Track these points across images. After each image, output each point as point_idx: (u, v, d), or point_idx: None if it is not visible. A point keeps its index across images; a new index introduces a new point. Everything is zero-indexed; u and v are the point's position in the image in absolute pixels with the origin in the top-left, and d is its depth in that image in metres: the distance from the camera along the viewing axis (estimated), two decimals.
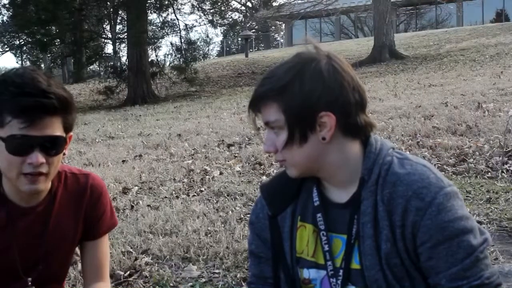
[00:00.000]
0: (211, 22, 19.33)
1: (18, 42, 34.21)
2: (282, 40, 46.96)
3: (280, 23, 41.90)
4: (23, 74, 1.38)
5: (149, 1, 17.05)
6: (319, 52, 1.24)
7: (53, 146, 1.40)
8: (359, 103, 1.23)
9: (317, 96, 1.19)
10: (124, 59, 19.04)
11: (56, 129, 1.39)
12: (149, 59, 17.19)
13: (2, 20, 31.08)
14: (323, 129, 1.21)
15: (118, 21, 25.71)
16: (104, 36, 22.64)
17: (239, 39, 40.66)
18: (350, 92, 1.21)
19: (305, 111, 1.19)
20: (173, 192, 4.50)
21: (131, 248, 3.19)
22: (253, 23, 40.68)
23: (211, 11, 18.93)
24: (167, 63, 18.45)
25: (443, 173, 4.22)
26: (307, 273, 1.32)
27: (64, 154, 1.46)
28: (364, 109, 1.25)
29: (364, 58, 18.29)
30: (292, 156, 1.25)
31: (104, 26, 21.84)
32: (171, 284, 2.75)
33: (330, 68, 1.21)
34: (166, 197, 4.39)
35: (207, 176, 4.92)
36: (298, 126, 1.21)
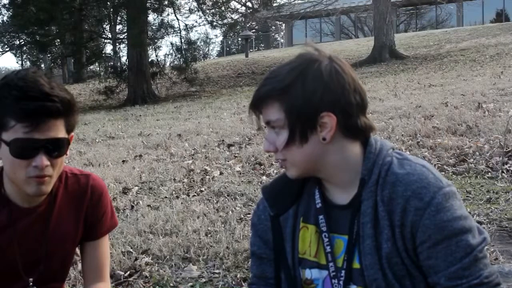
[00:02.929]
0: (210, 23, 19.32)
1: (18, 42, 34.24)
2: (282, 40, 46.96)
3: (280, 23, 41.90)
4: (25, 77, 1.37)
5: (149, 1, 17.04)
6: (321, 54, 1.25)
7: (57, 148, 1.40)
8: (360, 105, 1.24)
9: (319, 97, 1.20)
10: (124, 59, 19.02)
11: (59, 131, 1.39)
12: (149, 59, 17.17)
13: (2, 20, 31.13)
14: (323, 130, 1.21)
15: (118, 21, 25.68)
16: (104, 36, 22.58)
17: (239, 39, 40.67)
18: (351, 93, 1.22)
19: (306, 111, 1.20)
20: (173, 192, 4.50)
21: (131, 248, 3.20)
22: (253, 23, 40.67)
23: (211, 11, 18.93)
24: (167, 63, 18.47)
25: (443, 173, 4.23)
26: (309, 273, 1.33)
27: (66, 154, 1.46)
28: (365, 111, 1.26)
29: (364, 58, 18.29)
30: (292, 156, 1.25)
31: (104, 26, 21.78)
32: (171, 284, 2.76)
33: (332, 69, 1.22)
34: (166, 197, 4.39)
35: (207, 176, 4.93)
36: (299, 126, 1.22)
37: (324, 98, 1.20)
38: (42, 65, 33.03)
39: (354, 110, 1.23)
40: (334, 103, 1.20)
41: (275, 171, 4.86)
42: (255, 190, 4.23)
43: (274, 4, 22.30)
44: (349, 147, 1.26)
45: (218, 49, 50.78)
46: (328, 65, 1.22)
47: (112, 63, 19.46)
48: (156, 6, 17.27)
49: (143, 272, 2.88)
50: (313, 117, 1.21)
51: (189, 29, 23.12)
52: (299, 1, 29.83)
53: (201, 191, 4.47)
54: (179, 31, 18.07)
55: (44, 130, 1.36)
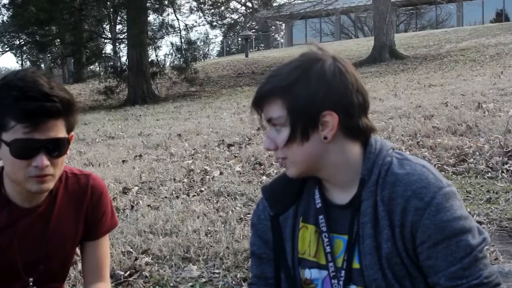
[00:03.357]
0: (210, 23, 19.32)
1: (18, 42, 34.19)
2: (282, 40, 46.97)
3: (280, 23, 41.90)
4: (24, 77, 1.37)
5: (149, 1, 17.04)
6: (325, 53, 1.25)
7: (57, 148, 1.40)
8: (362, 105, 1.24)
9: (321, 96, 1.20)
10: (124, 59, 19.00)
11: (59, 131, 1.39)
12: (149, 59, 17.15)
13: (2, 20, 31.08)
14: (325, 128, 1.22)
15: (118, 21, 25.69)
16: (104, 36, 22.58)
17: (239, 39, 40.67)
18: (354, 93, 1.22)
19: (308, 110, 1.21)
20: (173, 192, 4.50)
21: (131, 248, 3.20)
22: (253, 23, 40.68)
23: (211, 11, 18.92)
24: (167, 63, 18.46)
25: (443, 173, 4.23)
26: (308, 273, 1.33)
27: (66, 154, 1.46)
28: (366, 112, 1.27)
29: (364, 58, 18.28)
30: (292, 154, 1.25)
31: (104, 26, 21.79)
32: (171, 284, 2.76)
33: (335, 69, 1.22)
34: (166, 197, 4.39)
35: (207, 176, 4.93)
36: (301, 124, 1.22)
37: (326, 97, 1.20)
38: (42, 65, 33.02)
39: (356, 110, 1.23)
40: (337, 103, 1.21)
41: (275, 171, 4.86)
42: (255, 190, 4.23)
43: (274, 4, 22.30)
44: (350, 147, 1.26)
45: (218, 49, 50.77)
46: (331, 64, 1.22)
47: (112, 63, 19.44)
48: (157, 6, 17.26)
49: (143, 272, 2.88)
50: (315, 116, 1.21)
51: (189, 29, 23.13)
52: (299, 1, 29.85)
53: (201, 191, 4.47)
54: (179, 31, 18.08)
55: (44, 130, 1.36)
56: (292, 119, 1.22)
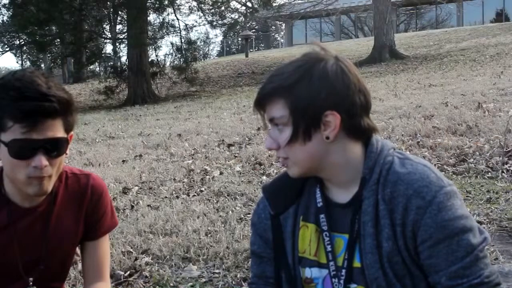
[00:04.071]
0: (210, 23, 19.32)
1: (18, 42, 34.20)
2: (282, 40, 46.98)
3: (280, 23, 41.92)
4: (22, 77, 1.37)
5: (149, 1, 17.03)
6: (327, 53, 1.25)
7: (55, 148, 1.40)
8: (364, 106, 1.24)
9: (324, 96, 1.20)
10: (124, 59, 18.97)
11: (57, 131, 1.39)
12: (149, 59, 17.15)
13: (2, 20, 31.08)
14: (327, 128, 1.22)
15: (118, 21, 25.67)
16: (104, 36, 22.56)
17: (239, 39, 40.68)
18: (356, 93, 1.22)
19: (311, 109, 1.21)
20: (173, 192, 4.50)
21: (131, 248, 3.20)
22: (253, 23, 40.70)
23: (211, 11, 18.92)
24: (167, 63, 18.45)
25: (443, 173, 4.22)
26: (309, 272, 1.33)
27: (66, 154, 1.46)
28: (368, 112, 1.27)
29: (364, 58, 18.27)
30: (294, 154, 1.25)
31: (104, 26, 21.77)
32: (171, 284, 2.76)
33: (338, 69, 1.22)
34: (166, 197, 4.39)
35: (207, 176, 4.93)
36: (303, 124, 1.22)
37: (329, 97, 1.20)
38: (42, 65, 33.04)
39: (358, 110, 1.23)
40: (339, 103, 1.21)
41: (275, 171, 4.86)
42: (255, 190, 4.23)
43: (274, 4, 22.28)
44: (351, 147, 1.26)
45: (218, 49, 50.80)
46: (334, 64, 1.23)
47: (112, 63, 19.45)
48: (157, 6, 17.25)
49: (143, 272, 2.88)
50: (317, 115, 1.21)
51: (189, 29, 23.13)
52: (299, 1, 29.86)
53: (201, 191, 4.47)
54: (179, 31, 18.07)
55: (42, 130, 1.36)
56: (294, 119, 1.22)
